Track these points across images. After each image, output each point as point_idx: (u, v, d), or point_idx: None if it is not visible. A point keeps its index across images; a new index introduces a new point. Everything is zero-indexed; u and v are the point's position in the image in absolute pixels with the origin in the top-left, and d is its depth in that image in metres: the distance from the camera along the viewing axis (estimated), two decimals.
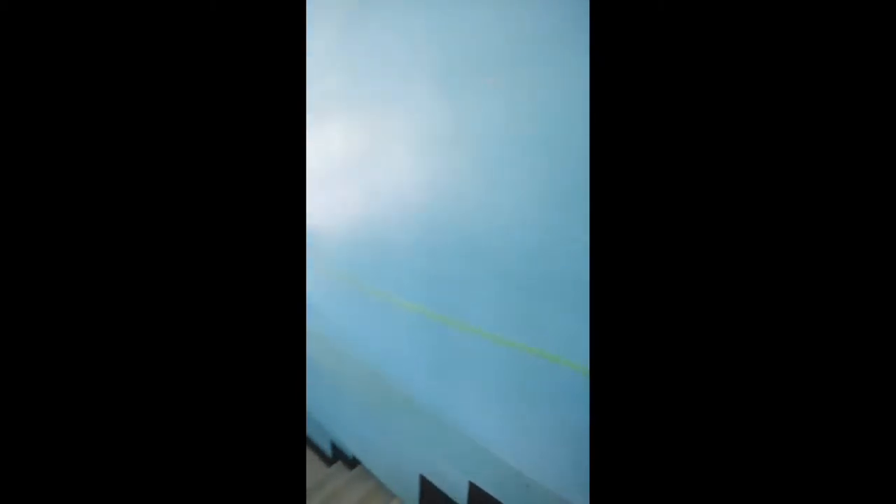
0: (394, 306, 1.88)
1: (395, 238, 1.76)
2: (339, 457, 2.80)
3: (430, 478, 1.81)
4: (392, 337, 1.96)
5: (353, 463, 2.63)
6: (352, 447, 2.51)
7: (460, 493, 1.68)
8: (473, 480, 1.59)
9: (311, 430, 3.13)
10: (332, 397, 2.28)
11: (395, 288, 1.85)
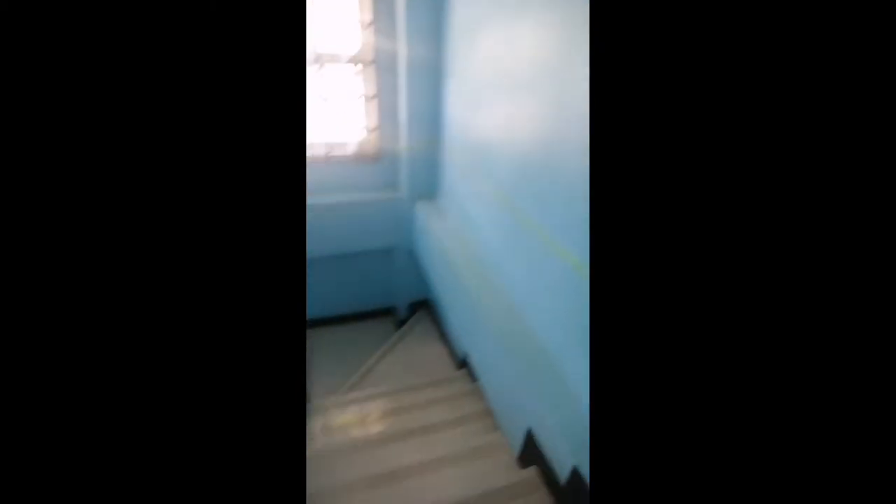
0: (547, 247, 1.64)
1: (569, 169, 1.44)
2: (466, 366, 2.94)
3: (538, 437, 1.69)
4: (537, 280, 1.75)
5: (474, 378, 2.74)
6: (477, 365, 2.56)
7: (562, 470, 1.52)
8: (578, 466, 1.39)
9: (451, 333, 3.34)
10: (471, 314, 2.28)
11: (553, 227, 1.58)
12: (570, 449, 1.45)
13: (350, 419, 2.47)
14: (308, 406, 2.45)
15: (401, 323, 3.82)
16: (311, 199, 3.00)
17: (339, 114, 2.94)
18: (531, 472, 1.75)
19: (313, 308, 3.68)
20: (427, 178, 3.08)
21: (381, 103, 2.95)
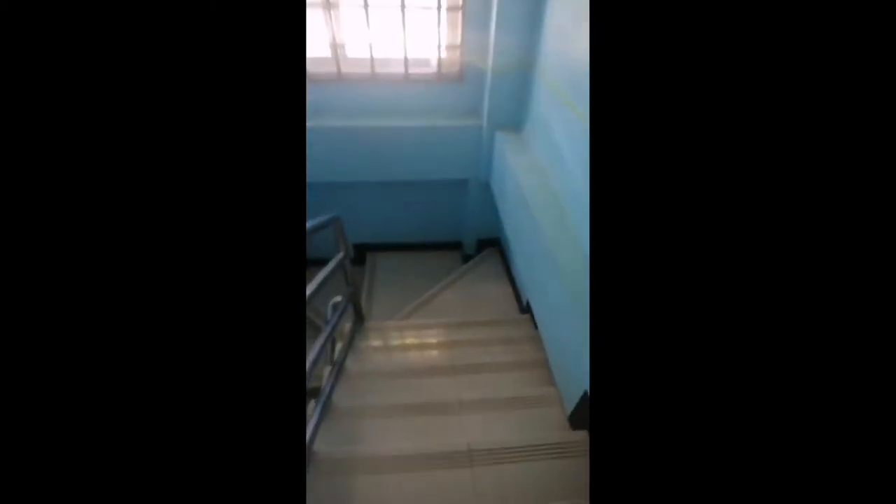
0: None
1: None
2: (531, 311, 2.79)
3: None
4: None
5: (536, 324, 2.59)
6: (539, 315, 2.39)
7: None
8: None
9: (518, 276, 3.17)
10: (539, 260, 2.07)
11: None
12: None
13: (402, 344, 2.50)
14: (363, 326, 2.51)
15: (467, 258, 3.72)
16: (385, 122, 2.86)
17: (421, 27, 2.66)
18: (581, 435, 1.61)
19: (379, 233, 3.71)
20: (513, 105, 2.75)
21: (468, 14, 2.60)
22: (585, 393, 1.59)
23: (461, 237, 3.76)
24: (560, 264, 1.77)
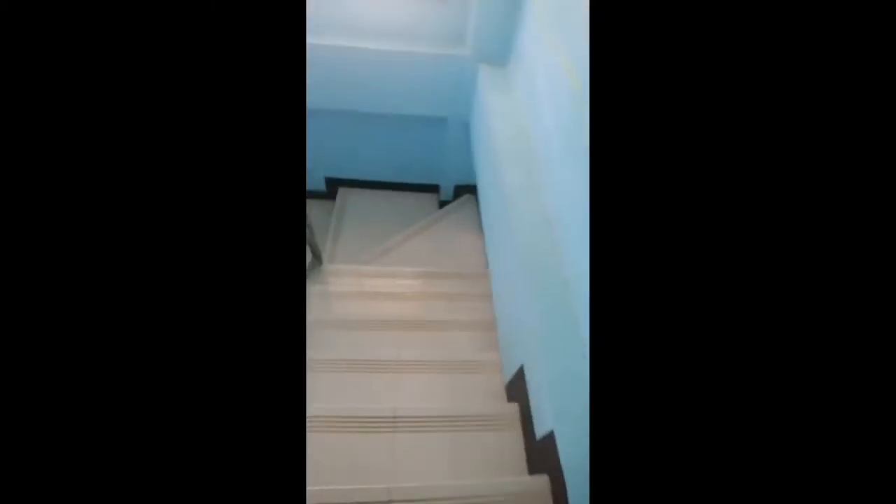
0: None
1: None
2: None
3: (527, 380, 1.45)
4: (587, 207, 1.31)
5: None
6: (493, 276, 2.27)
7: (540, 426, 1.30)
8: (556, 432, 1.16)
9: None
10: (501, 218, 1.90)
11: None
12: (553, 411, 1.20)
13: (355, 292, 2.41)
14: (320, 268, 2.40)
15: (442, 204, 3.53)
16: (355, 42, 2.51)
17: None
18: (513, 408, 1.57)
19: (352, 168, 3.47)
20: (503, 32, 2.39)
21: None
22: (520, 367, 1.51)
23: (438, 180, 3.53)
24: (517, 227, 1.61)
